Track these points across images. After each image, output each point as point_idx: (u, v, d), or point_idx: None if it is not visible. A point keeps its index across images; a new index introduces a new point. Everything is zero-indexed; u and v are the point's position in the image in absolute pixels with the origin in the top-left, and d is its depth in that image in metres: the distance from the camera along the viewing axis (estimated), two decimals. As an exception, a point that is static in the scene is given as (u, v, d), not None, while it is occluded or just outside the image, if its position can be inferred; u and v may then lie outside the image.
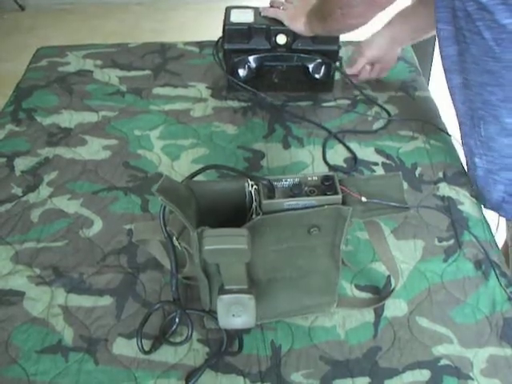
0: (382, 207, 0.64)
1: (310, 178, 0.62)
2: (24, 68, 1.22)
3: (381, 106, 1.09)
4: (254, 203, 0.61)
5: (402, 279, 0.77)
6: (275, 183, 0.61)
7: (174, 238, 0.64)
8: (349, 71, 1.09)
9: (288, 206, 0.60)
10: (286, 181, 0.62)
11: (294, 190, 0.60)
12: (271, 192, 0.61)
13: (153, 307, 0.72)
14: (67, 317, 0.73)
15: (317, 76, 1.07)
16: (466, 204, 0.89)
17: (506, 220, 0.92)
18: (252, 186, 0.61)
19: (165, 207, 0.61)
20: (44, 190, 0.91)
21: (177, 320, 0.71)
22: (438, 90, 1.22)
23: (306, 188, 0.61)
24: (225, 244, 0.57)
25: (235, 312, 0.64)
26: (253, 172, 0.94)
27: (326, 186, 0.62)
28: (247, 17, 1.08)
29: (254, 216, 0.60)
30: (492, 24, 0.71)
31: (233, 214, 0.64)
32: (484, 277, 0.78)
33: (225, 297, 0.63)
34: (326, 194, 0.60)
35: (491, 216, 0.90)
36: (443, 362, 0.68)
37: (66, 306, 0.74)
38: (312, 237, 0.63)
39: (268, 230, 0.61)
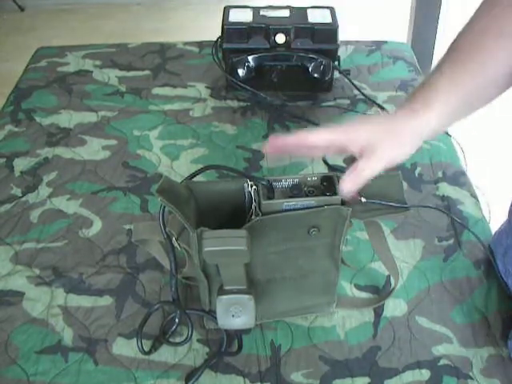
0: (382, 207, 0.64)
1: (309, 179, 0.62)
2: (23, 68, 1.22)
3: (380, 106, 1.08)
4: (254, 204, 0.61)
5: (401, 279, 0.77)
6: (274, 183, 0.61)
7: (174, 239, 0.64)
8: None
9: (287, 207, 0.60)
10: (285, 181, 0.62)
11: (294, 191, 0.60)
12: (270, 192, 0.61)
13: (152, 308, 0.72)
14: (67, 317, 0.73)
15: (316, 75, 1.07)
16: (466, 203, 0.89)
17: None
18: (251, 186, 0.61)
19: (164, 208, 0.61)
20: (43, 191, 0.91)
21: (176, 320, 0.71)
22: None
23: (305, 188, 0.61)
24: (224, 245, 0.57)
25: (235, 312, 0.64)
26: (252, 172, 0.94)
27: (326, 186, 0.61)
28: (246, 16, 1.08)
29: (253, 217, 0.60)
30: None
31: (232, 214, 0.64)
32: (484, 276, 0.78)
33: (224, 297, 0.63)
34: (325, 195, 0.60)
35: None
36: (443, 361, 0.68)
37: (66, 306, 0.74)
38: (311, 237, 0.63)
39: (267, 230, 0.61)
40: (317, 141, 0.61)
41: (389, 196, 0.64)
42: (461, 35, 0.63)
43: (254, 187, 0.61)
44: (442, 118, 0.61)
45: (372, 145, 0.59)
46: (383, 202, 0.63)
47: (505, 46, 0.59)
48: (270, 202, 0.60)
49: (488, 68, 0.60)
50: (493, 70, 0.60)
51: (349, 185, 0.59)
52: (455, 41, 0.63)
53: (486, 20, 0.60)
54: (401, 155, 0.61)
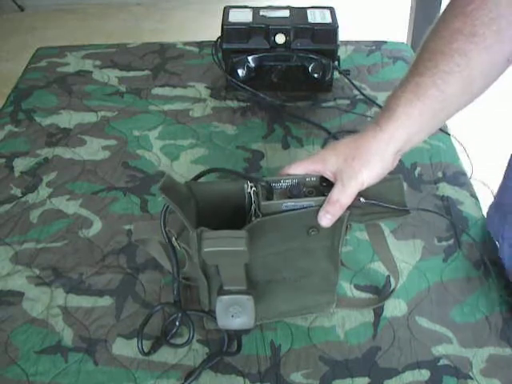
0: (381, 211, 0.63)
1: (308, 179, 0.62)
2: (24, 68, 1.22)
3: (380, 106, 1.08)
4: (253, 205, 0.61)
5: (401, 279, 0.76)
6: (274, 184, 0.61)
7: (174, 238, 0.64)
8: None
9: (286, 207, 0.60)
10: (284, 182, 0.62)
11: (293, 191, 0.60)
12: (270, 193, 0.61)
13: (153, 309, 0.72)
14: (67, 317, 0.73)
15: (316, 75, 1.07)
16: (466, 204, 0.89)
17: None
18: (251, 187, 0.61)
19: (167, 208, 0.61)
20: (43, 191, 0.91)
21: (177, 323, 0.70)
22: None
23: (304, 189, 0.61)
24: (224, 246, 0.56)
25: (234, 313, 0.64)
26: (252, 172, 0.94)
27: (324, 186, 0.61)
28: (246, 16, 1.08)
29: (253, 218, 0.60)
30: None
31: (232, 215, 0.64)
32: (483, 277, 0.78)
33: (224, 297, 0.63)
34: (324, 195, 0.60)
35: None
36: (443, 361, 0.68)
37: (66, 306, 0.74)
38: (311, 238, 0.63)
39: (267, 231, 0.61)
40: (295, 172, 0.63)
41: (389, 200, 0.63)
42: (432, 37, 0.60)
43: (254, 188, 0.61)
44: (410, 130, 0.59)
45: (341, 171, 0.60)
46: (382, 204, 0.63)
47: (478, 47, 0.56)
48: (270, 202, 0.60)
49: (462, 72, 0.57)
50: (466, 74, 0.57)
51: (328, 216, 0.60)
52: (426, 44, 0.60)
53: (459, 21, 0.57)
54: (372, 175, 0.60)
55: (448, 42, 0.57)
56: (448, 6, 0.60)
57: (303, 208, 0.60)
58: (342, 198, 0.59)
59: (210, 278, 0.65)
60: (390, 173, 0.62)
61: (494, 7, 0.55)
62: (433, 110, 0.59)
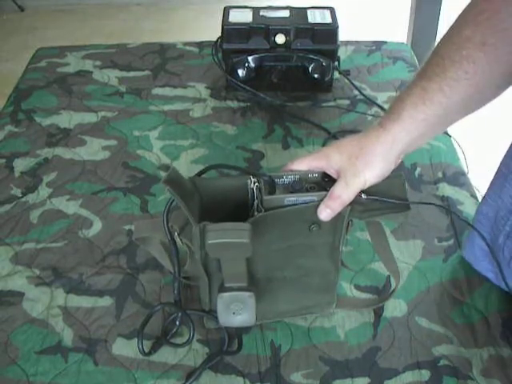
0: (382, 207, 0.64)
1: (310, 175, 0.63)
2: (24, 68, 1.22)
3: (380, 106, 1.08)
4: (256, 200, 0.61)
5: (401, 279, 0.76)
6: (276, 180, 0.62)
7: (176, 234, 0.64)
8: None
9: (288, 202, 0.60)
10: (286, 177, 0.62)
11: (295, 186, 0.61)
12: (272, 188, 0.61)
13: (153, 309, 0.72)
14: (67, 317, 0.73)
15: (316, 76, 1.07)
16: (466, 204, 0.89)
17: None
18: (254, 183, 0.62)
19: (171, 203, 0.61)
20: (43, 191, 0.91)
21: (177, 323, 0.70)
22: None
23: (306, 185, 0.61)
24: (227, 238, 0.57)
25: (235, 310, 0.64)
26: (252, 172, 0.94)
27: (326, 182, 0.62)
28: (246, 16, 1.08)
29: (256, 213, 0.60)
30: None
31: (235, 211, 0.64)
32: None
33: (225, 294, 0.63)
34: (326, 190, 0.60)
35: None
36: (443, 362, 0.68)
37: (66, 306, 0.74)
38: (312, 234, 0.63)
39: (269, 226, 0.61)
40: (298, 168, 0.63)
41: (391, 196, 0.63)
42: (443, 43, 0.60)
43: (257, 184, 0.61)
44: (414, 133, 0.60)
45: (344, 169, 0.60)
46: (383, 199, 0.63)
47: (487, 56, 0.56)
48: (272, 197, 0.60)
49: (470, 79, 0.56)
50: (474, 81, 0.57)
51: (327, 211, 0.60)
52: (437, 49, 0.60)
53: (470, 29, 0.57)
54: (374, 175, 0.60)
55: (458, 49, 0.57)
56: (461, 13, 0.60)
57: (305, 203, 0.60)
58: (343, 194, 0.59)
59: (211, 275, 0.65)
60: (392, 171, 0.63)
61: (507, 17, 0.55)
62: (438, 115, 0.59)
